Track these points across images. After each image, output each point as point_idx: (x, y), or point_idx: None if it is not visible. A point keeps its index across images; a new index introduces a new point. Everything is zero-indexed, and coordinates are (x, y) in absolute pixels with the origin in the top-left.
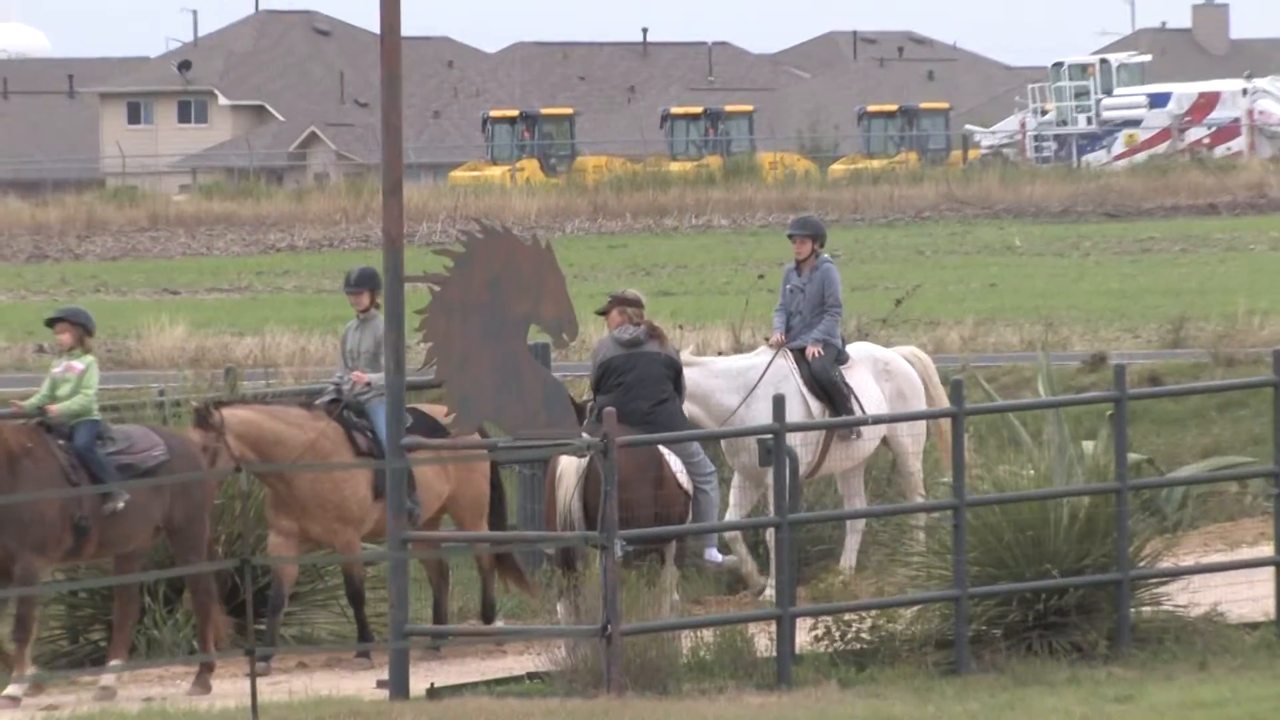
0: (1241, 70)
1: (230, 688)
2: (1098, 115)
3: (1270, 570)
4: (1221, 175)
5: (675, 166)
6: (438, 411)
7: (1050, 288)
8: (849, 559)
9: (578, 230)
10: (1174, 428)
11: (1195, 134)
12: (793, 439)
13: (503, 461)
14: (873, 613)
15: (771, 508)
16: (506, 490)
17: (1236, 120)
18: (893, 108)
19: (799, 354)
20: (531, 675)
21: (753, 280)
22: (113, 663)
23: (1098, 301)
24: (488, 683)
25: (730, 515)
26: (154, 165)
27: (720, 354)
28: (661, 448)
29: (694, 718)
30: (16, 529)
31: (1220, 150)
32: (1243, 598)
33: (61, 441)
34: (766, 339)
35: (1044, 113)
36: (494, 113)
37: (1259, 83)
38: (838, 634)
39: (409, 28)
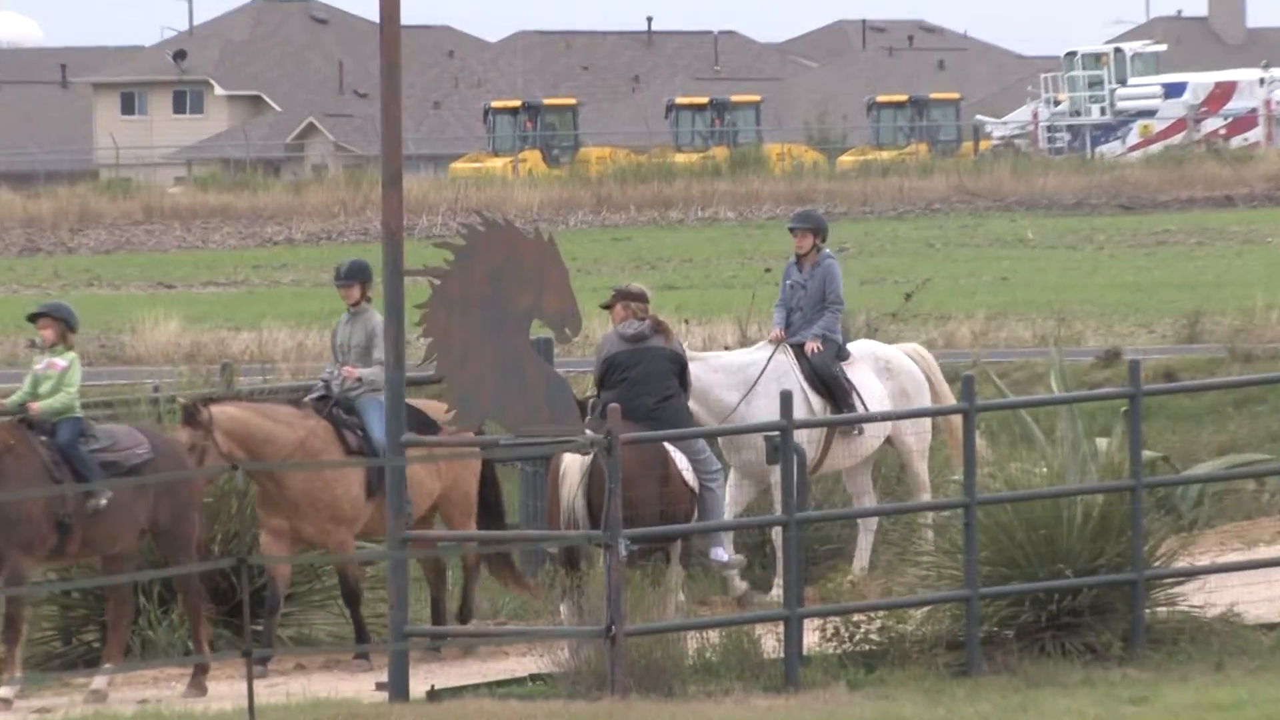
0: (1259, 59)
1: (227, 690)
2: (1112, 105)
3: None
4: (1238, 166)
5: (680, 158)
6: (429, 407)
7: (1063, 281)
8: (862, 560)
9: (581, 223)
10: (1190, 424)
11: (1211, 124)
12: (795, 436)
13: (505, 459)
14: (882, 613)
15: (778, 506)
16: (508, 488)
17: (1253, 110)
18: (902, 98)
19: (798, 350)
20: (534, 677)
21: (759, 274)
22: (105, 665)
23: (1112, 295)
24: (489, 684)
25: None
26: (148, 157)
27: (727, 349)
28: (667, 445)
29: None
30: (3, 528)
31: (1237, 141)
32: (1260, 598)
33: (44, 438)
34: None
35: (1057, 103)
36: (495, 103)
37: (1276, 72)
38: (846, 635)
39: (408, 16)
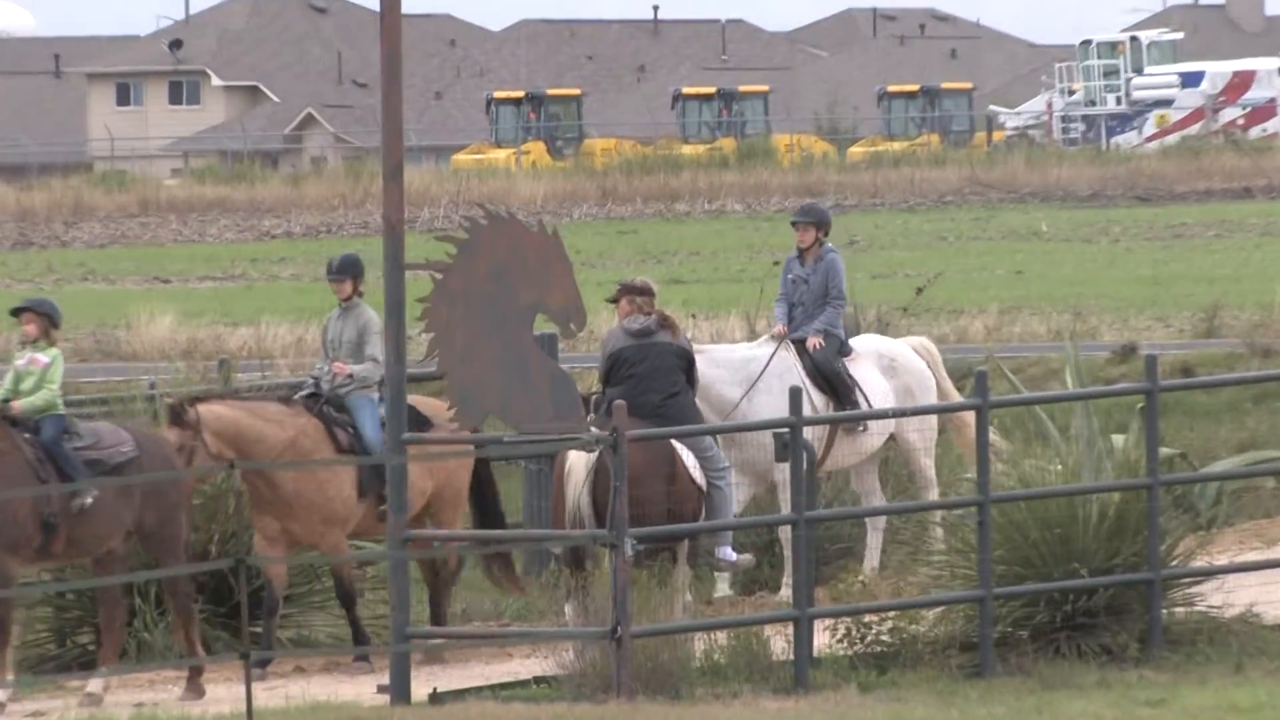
0: (1278, 48)
1: (225, 693)
2: (1128, 95)
3: None
4: (1257, 157)
5: (687, 149)
6: (422, 404)
7: (1078, 275)
8: (873, 560)
9: (586, 216)
10: (1208, 421)
11: (1229, 114)
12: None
13: (508, 457)
14: (894, 614)
15: (786, 505)
16: (512, 487)
17: (1272, 100)
18: (914, 88)
19: (800, 346)
20: (538, 679)
21: (768, 268)
22: (101, 668)
23: (1128, 289)
24: (492, 687)
25: None
26: (144, 148)
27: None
28: (674, 442)
29: None
30: None
31: (1255, 131)
32: (1279, 598)
33: (28, 436)
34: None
35: (1071, 93)
36: (498, 93)
37: None
38: (857, 636)
39: (409, 5)
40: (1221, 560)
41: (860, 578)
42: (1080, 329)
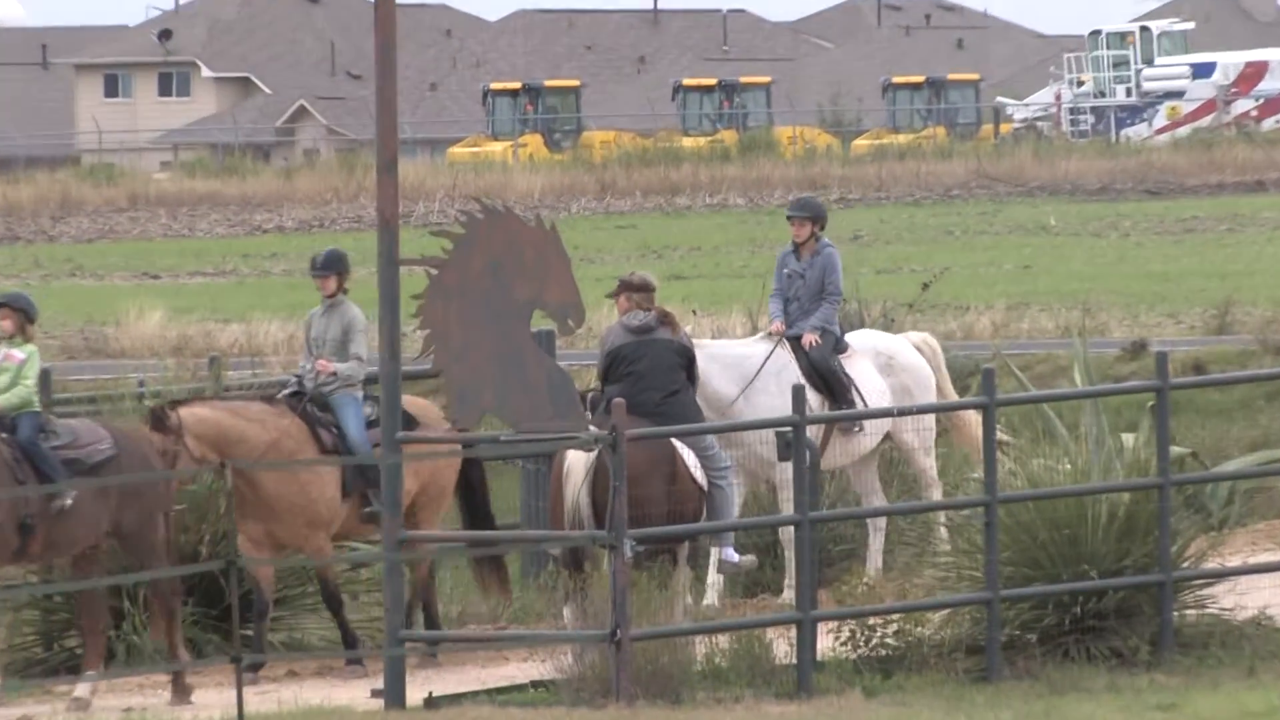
0: None
1: (216, 697)
2: (1138, 86)
3: None
4: (1270, 149)
5: (688, 142)
6: (407, 404)
7: (1087, 270)
8: (875, 561)
9: (584, 210)
10: (1220, 419)
11: (1242, 106)
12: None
13: (505, 457)
14: (899, 616)
15: (786, 505)
16: (510, 487)
17: None
18: (919, 79)
19: (795, 343)
20: (535, 683)
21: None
22: (88, 672)
23: (1138, 285)
24: (489, 691)
25: None
26: (133, 141)
27: None
28: (675, 441)
29: None
30: None
31: (1269, 123)
32: None
33: (4, 435)
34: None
35: (1080, 84)
36: (495, 85)
37: None
38: (862, 639)
39: None
40: (1234, 562)
41: (865, 579)
42: (1089, 325)
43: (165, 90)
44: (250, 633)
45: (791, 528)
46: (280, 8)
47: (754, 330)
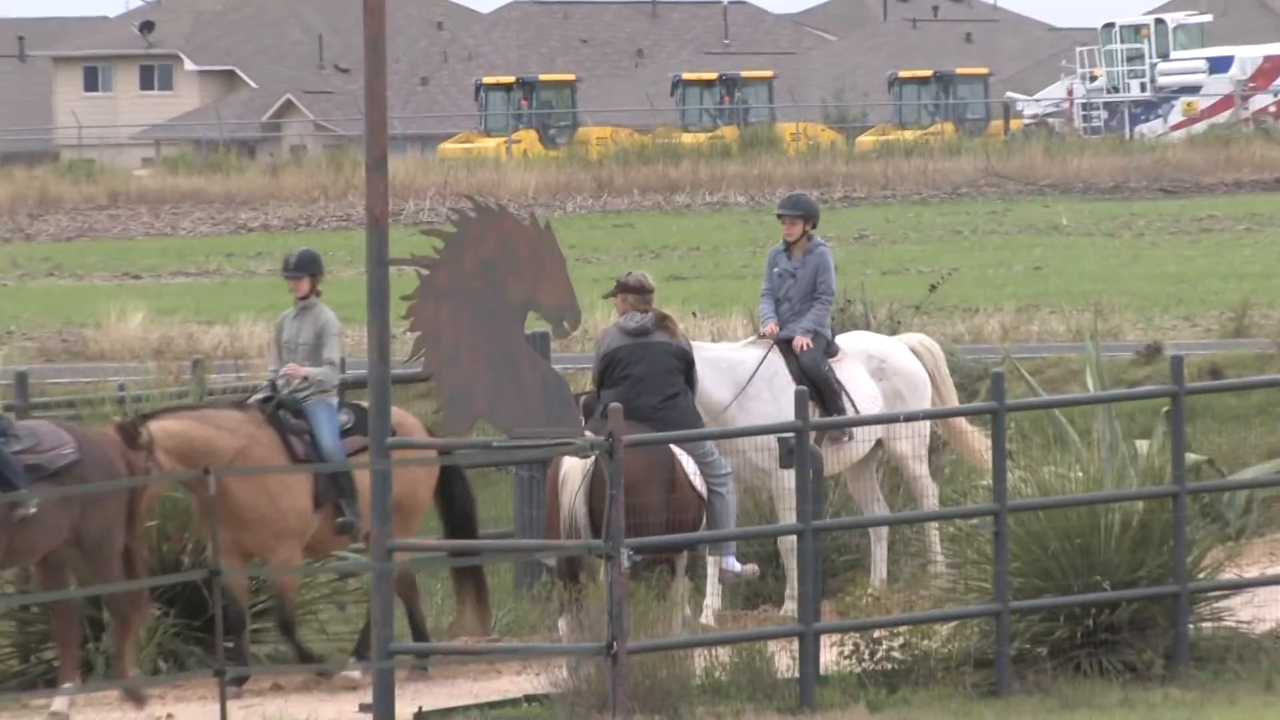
0: None
1: (199, 711)
2: (1152, 81)
3: None
4: None
5: (687, 138)
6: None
7: (1100, 271)
8: (879, 571)
9: (580, 208)
10: (1237, 425)
11: (1260, 101)
12: (772, 439)
13: (499, 463)
14: (905, 629)
15: (786, 514)
16: (504, 494)
17: None
18: (927, 73)
19: (785, 346)
20: (529, 698)
21: None
22: (65, 685)
23: (1152, 286)
24: (480, 706)
25: None
26: (113, 136)
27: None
28: (673, 447)
29: None
30: None
31: None
32: None
33: None
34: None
35: (1093, 79)
36: (488, 79)
37: None
38: (866, 652)
39: None
40: (1251, 572)
41: (869, 590)
42: (1102, 328)
43: (147, 84)
44: (231, 644)
45: (791, 537)
46: None
47: (755, 332)
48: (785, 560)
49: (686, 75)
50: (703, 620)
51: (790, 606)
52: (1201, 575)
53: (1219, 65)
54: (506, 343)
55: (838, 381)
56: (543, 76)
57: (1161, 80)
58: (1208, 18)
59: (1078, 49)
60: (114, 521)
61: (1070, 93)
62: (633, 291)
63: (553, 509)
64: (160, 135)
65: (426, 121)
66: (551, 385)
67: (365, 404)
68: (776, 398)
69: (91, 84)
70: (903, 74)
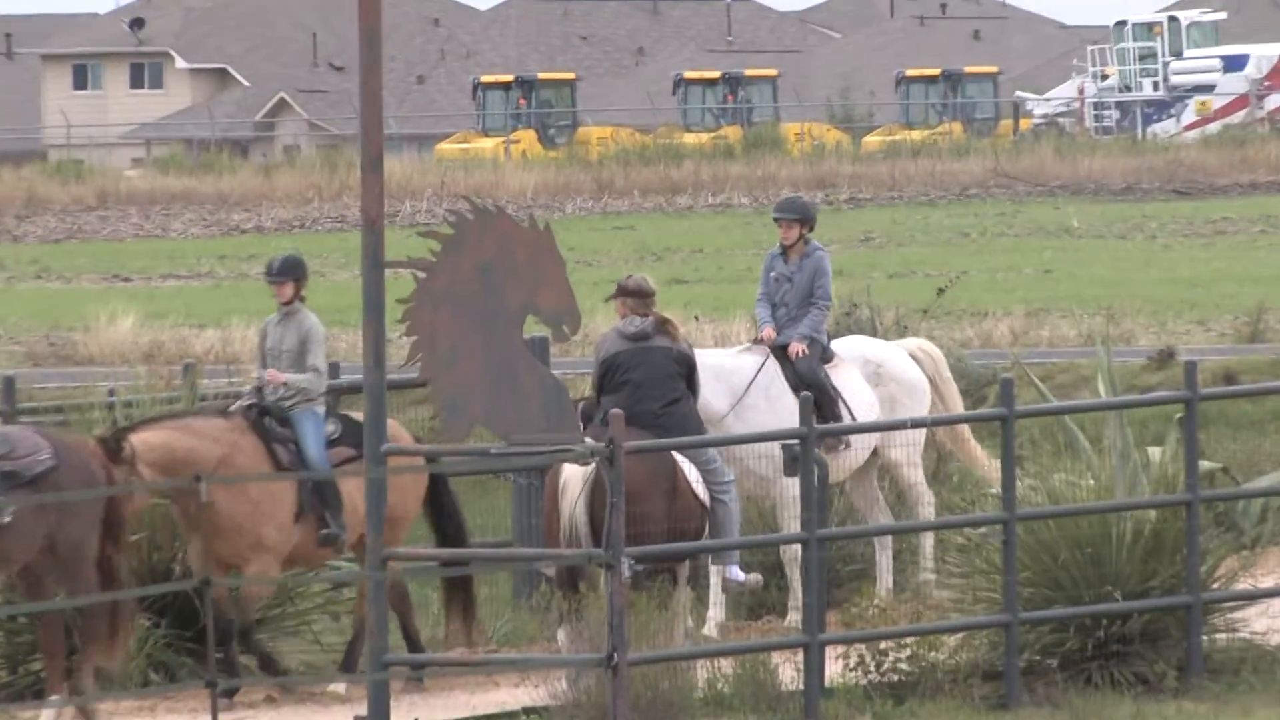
0: None
1: None
2: (1165, 80)
3: None
4: None
5: (689, 138)
6: None
7: (1112, 274)
8: (885, 581)
9: (580, 210)
10: (1252, 432)
11: (1276, 100)
12: (772, 447)
13: (496, 470)
14: (911, 640)
15: (788, 522)
16: (501, 502)
17: None
18: (935, 72)
19: (780, 352)
20: (528, 710)
21: None
22: (52, 697)
23: (1165, 290)
24: (478, 719)
25: None
26: (103, 136)
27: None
28: (675, 454)
29: None
30: None
31: None
32: None
33: None
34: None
35: (1105, 77)
36: (486, 77)
37: None
38: (872, 664)
39: None
40: (1267, 583)
41: (875, 601)
42: (1114, 333)
43: (137, 82)
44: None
45: (795, 546)
46: None
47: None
48: (789, 570)
49: (688, 74)
50: (705, 631)
51: (794, 617)
52: (1215, 585)
53: (1234, 64)
54: (505, 347)
55: (834, 388)
56: (542, 75)
57: (1175, 79)
58: (1222, 15)
59: (1089, 47)
60: (89, 530)
61: (1081, 92)
62: (633, 295)
63: (552, 517)
64: (151, 135)
65: (423, 121)
66: (550, 391)
67: (353, 415)
68: (773, 405)
69: (80, 82)
70: (910, 73)
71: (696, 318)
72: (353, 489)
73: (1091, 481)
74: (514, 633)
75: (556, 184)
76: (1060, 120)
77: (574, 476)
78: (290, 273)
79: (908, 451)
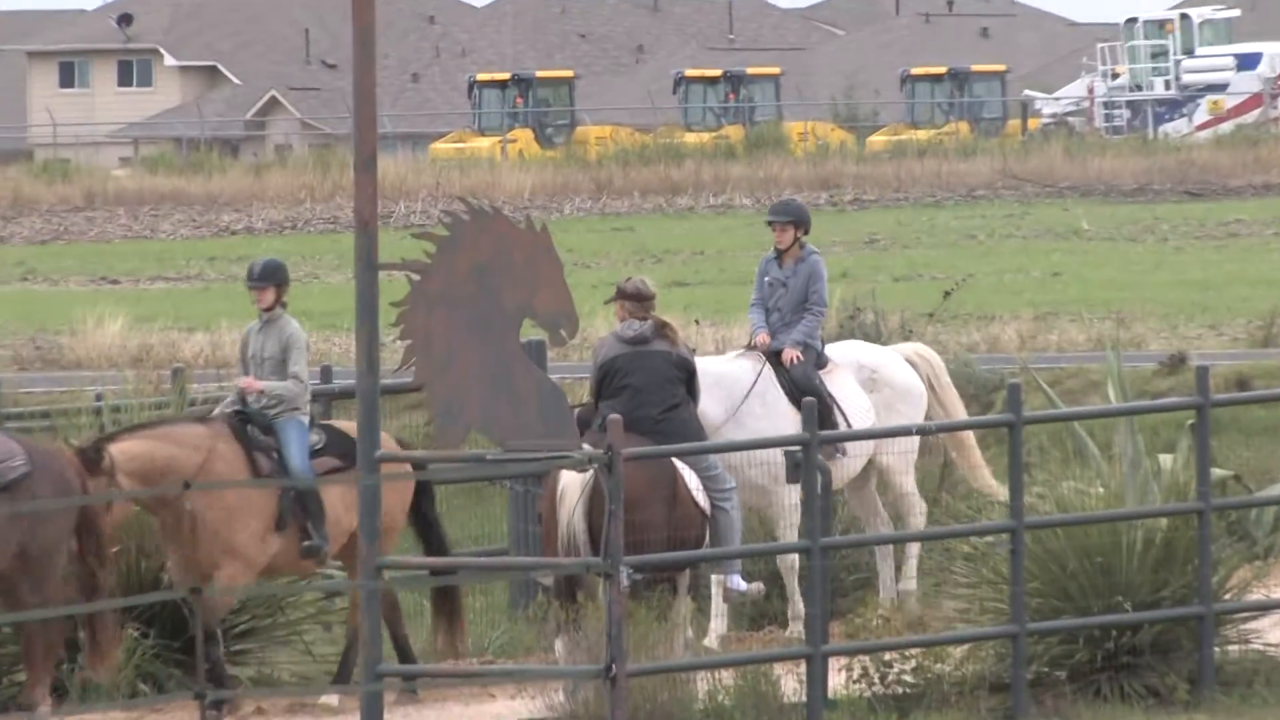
0: None
1: None
2: (1177, 79)
3: None
4: None
5: (690, 138)
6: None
7: (1122, 277)
8: (889, 591)
9: (578, 211)
10: (1265, 439)
11: None
12: (770, 454)
13: (492, 477)
14: (917, 651)
15: (790, 530)
16: (497, 510)
17: None
18: (941, 70)
19: (775, 358)
20: None
21: None
22: (40, 709)
23: (1177, 293)
24: None
25: None
26: (90, 134)
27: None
28: (676, 461)
29: None
30: None
31: None
32: None
33: None
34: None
35: (1115, 76)
36: (482, 76)
37: None
38: (876, 675)
39: None
40: None
41: (879, 611)
42: (1124, 337)
43: (125, 80)
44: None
45: (792, 555)
46: None
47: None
48: (786, 579)
49: (689, 72)
50: (706, 642)
51: (795, 627)
52: (1227, 596)
53: (1247, 62)
54: (501, 351)
55: (830, 395)
56: (539, 73)
57: (1186, 78)
58: (1235, 13)
59: (1099, 45)
60: (61, 538)
61: (1091, 91)
62: (632, 298)
63: (550, 525)
64: (139, 133)
65: (418, 120)
66: (548, 396)
67: (338, 424)
68: (768, 413)
69: (67, 79)
70: (915, 71)
71: (697, 321)
72: (335, 499)
73: (1101, 489)
74: (510, 643)
75: (554, 184)
76: (1070, 120)
77: (572, 484)
78: (271, 278)
79: (901, 459)
